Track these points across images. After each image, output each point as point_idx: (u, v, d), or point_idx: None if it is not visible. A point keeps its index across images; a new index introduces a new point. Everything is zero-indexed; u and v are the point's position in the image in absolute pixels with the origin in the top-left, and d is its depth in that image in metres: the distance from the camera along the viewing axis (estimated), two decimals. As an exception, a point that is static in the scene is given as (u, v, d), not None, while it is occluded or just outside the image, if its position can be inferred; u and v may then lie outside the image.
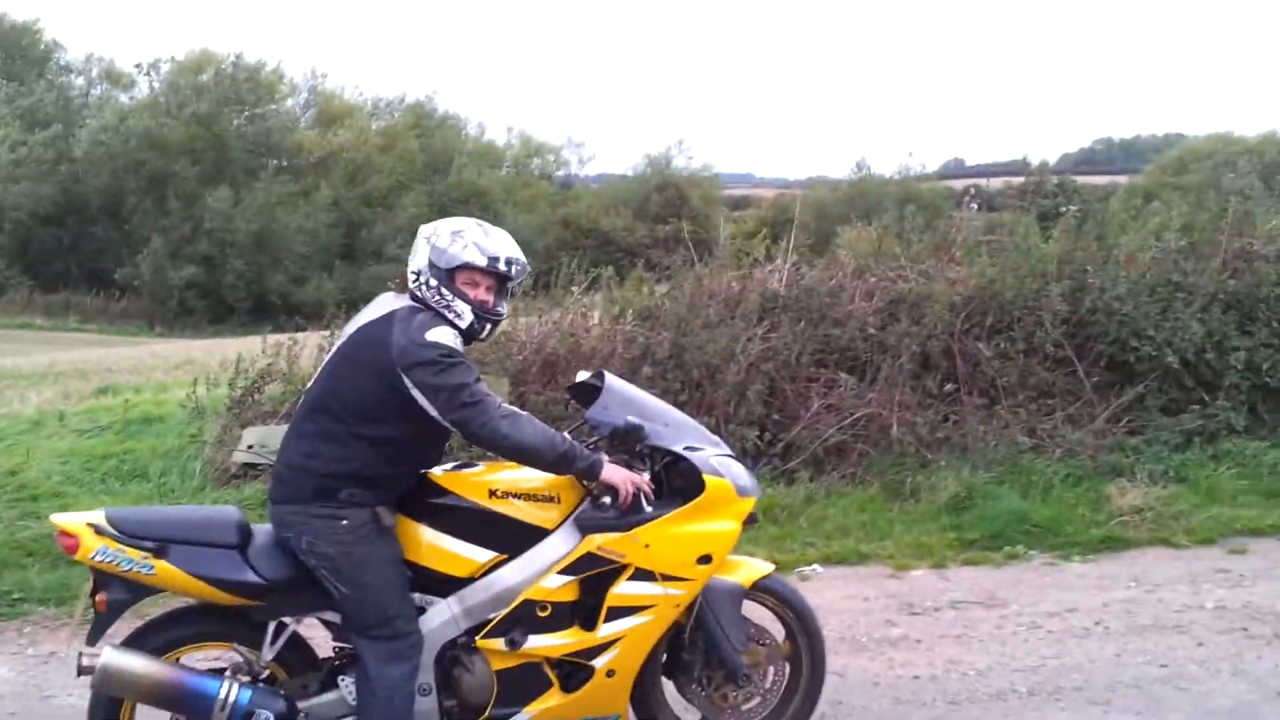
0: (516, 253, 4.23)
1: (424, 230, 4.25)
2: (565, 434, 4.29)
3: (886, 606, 6.85)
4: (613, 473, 4.17)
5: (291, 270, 45.79)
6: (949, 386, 9.45)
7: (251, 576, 4.07)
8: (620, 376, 8.39)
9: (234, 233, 45.08)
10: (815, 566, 7.56)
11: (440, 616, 4.21)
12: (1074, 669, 5.83)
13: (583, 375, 4.69)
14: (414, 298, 4.19)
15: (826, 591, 7.04)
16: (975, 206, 12.22)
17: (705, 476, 4.37)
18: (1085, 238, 10.50)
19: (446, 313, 4.14)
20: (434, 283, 4.13)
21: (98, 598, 4.08)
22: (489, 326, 4.25)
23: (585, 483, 4.29)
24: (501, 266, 4.17)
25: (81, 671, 4.02)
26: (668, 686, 4.69)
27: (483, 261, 4.14)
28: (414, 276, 4.18)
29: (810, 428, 9.14)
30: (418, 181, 52.58)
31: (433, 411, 3.99)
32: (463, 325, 4.15)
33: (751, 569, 4.71)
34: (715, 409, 9.04)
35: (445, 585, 4.23)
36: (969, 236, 10.80)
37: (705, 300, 9.80)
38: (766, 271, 10.26)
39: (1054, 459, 9.14)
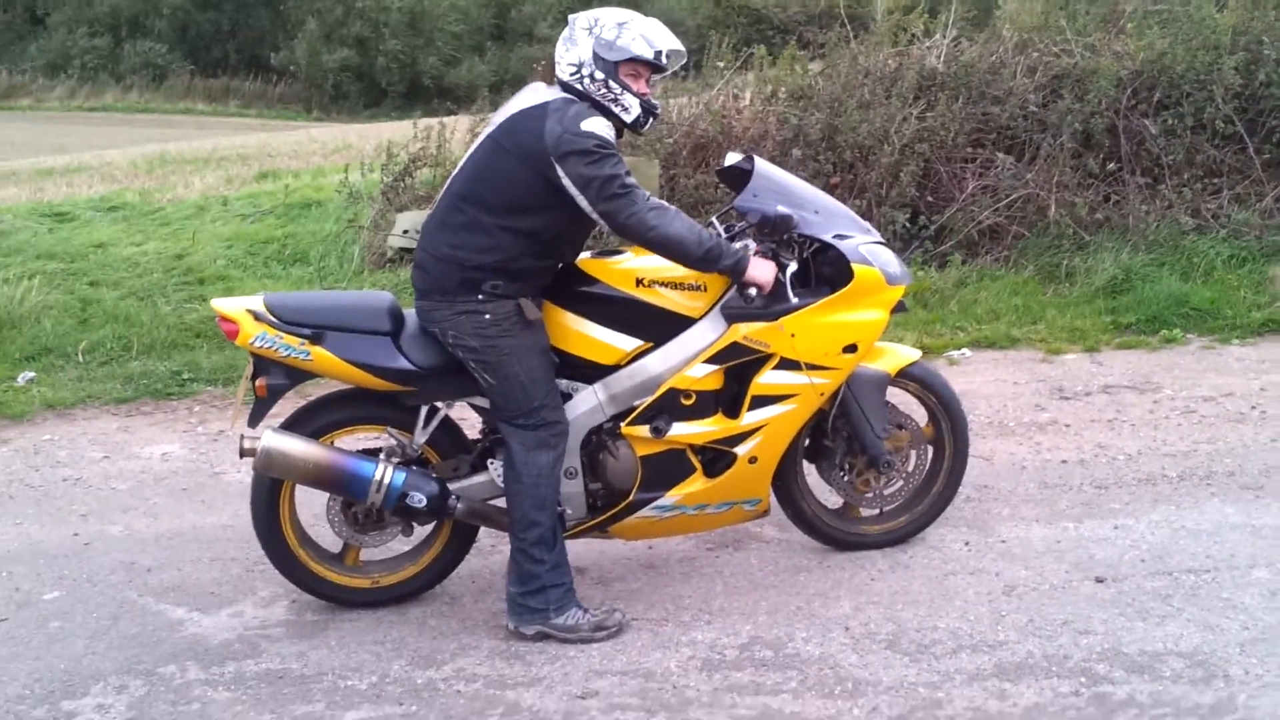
0: (677, 44, 4.15)
1: (580, 21, 4.13)
2: (712, 231, 4.26)
3: (1036, 390, 6.80)
4: (757, 270, 4.14)
5: (444, 51, 45.56)
6: (1111, 166, 9.14)
7: (404, 363, 4.15)
8: (772, 159, 8.44)
9: (386, 11, 44.89)
10: (964, 350, 7.52)
11: (586, 403, 4.28)
12: (1227, 454, 5.74)
13: (732, 158, 4.61)
14: (568, 89, 4.12)
15: (975, 376, 7.03)
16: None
17: (854, 265, 4.32)
18: (1263, 6, 9.89)
19: (613, 106, 4.09)
20: (600, 75, 4.06)
21: (258, 382, 4.20)
22: (651, 119, 4.23)
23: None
24: (664, 59, 4.11)
25: (243, 454, 4.15)
26: (810, 471, 4.74)
27: (649, 54, 4.07)
28: (573, 69, 4.08)
29: (965, 210, 8.98)
30: (567, -43, 51.57)
31: (582, 202, 3.97)
32: (629, 119, 4.12)
33: (897, 356, 4.70)
34: (867, 191, 8.95)
35: (591, 372, 4.28)
36: (1139, 7, 10.30)
37: (860, 79, 9.58)
38: (925, 47, 9.96)
39: (1218, 240, 8.86)
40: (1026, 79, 9.43)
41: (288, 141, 21.99)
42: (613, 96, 4.09)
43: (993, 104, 9.35)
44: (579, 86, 4.08)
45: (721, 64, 10.12)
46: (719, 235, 4.33)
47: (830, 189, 8.39)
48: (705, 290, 4.29)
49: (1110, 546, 4.78)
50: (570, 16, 4.19)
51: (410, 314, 4.28)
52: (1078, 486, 5.44)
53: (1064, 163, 9.06)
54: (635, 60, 4.07)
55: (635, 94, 4.10)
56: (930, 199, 9.16)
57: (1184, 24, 9.68)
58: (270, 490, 4.28)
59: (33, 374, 7.29)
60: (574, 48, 4.09)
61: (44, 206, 12.51)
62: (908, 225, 8.88)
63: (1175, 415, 6.31)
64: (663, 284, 4.26)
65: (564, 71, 4.11)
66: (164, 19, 46.00)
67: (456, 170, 4.26)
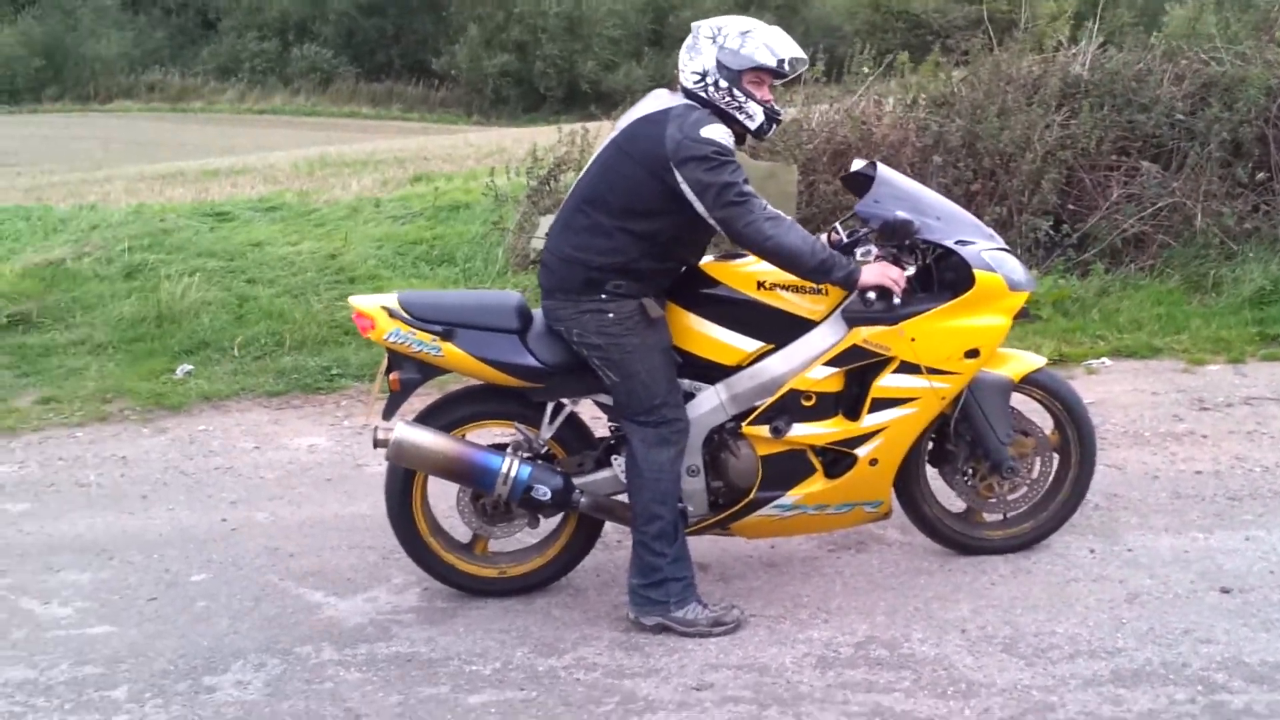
0: (799, 51, 4.22)
1: (702, 29, 4.22)
2: (826, 242, 4.32)
3: (1175, 401, 6.70)
4: (870, 277, 4.18)
5: (602, 56, 45.90)
6: (1261, 175, 8.91)
7: (531, 361, 4.28)
8: (911, 165, 8.43)
9: (545, 17, 45.40)
10: (1104, 359, 7.43)
11: (708, 403, 4.36)
12: (1371, 470, 5.62)
13: (857, 165, 4.66)
14: (691, 96, 4.20)
15: (1114, 385, 6.95)
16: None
17: (975, 271, 4.34)
18: None
19: (738, 114, 4.18)
20: (724, 84, 4.15)
21: (391, 376, 4.38)
22: (774, 126, 4.32)
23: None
24: (787, 68, 4.19)
25: (377, 444, 4.32)
26: (933, 475, 4.77)
27: (773, 63, 4.15)
28: (697, 77, 4.17)
29: (1108, 218, 8.85)
30: (725, -37, 51.44)
31: (699, 207, 4.06)
32: (754, 126, 4.22)
33: (1022, 362, 4.69)
34: (1008, 198, 8.88)
35: (713, 372, 4.36)
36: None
37: (1002, 86, 9.51)
38: (1069, 54, 9.85)
39: (1374, 253, 8.60)
40: (1174, 87, 9.24)
41: (444, 145, 22.41)
42: (737, 104, 4.17)
43: (1138, 112, 9.19)
44: (703, 94, 4.17)
45: (864, 70, 10.12)
46: (840, 242, 4.41)
47: (970, 196, 8.38)
48: (826, 294, 4.34)
49: (1239, 557, 4.73)
50: (693, 24, 4.28)
51: (538, 313, 4.40)
52: (1210, 497, 5.37)
53: (1212, 172, 8.86)
54: (759, 69, 4.16)
55: (759, 101, 4.19)
56: (1073, 207, 9.04)
57: (1338, 32, 9.43)
58: (404, 480, 4.45)
59: (190, 367, 7.62)
60: (698, 56, 4.18)
61: (206, 206, 12.96)
62: (1050, 233, 8.79)
63: (1318, 429, 6.18)
64: (784, 287, 4.32)
65: (688, 79, 4.20)
66: (330, 24, 47.18)
67: (582, 174, 4.39)
